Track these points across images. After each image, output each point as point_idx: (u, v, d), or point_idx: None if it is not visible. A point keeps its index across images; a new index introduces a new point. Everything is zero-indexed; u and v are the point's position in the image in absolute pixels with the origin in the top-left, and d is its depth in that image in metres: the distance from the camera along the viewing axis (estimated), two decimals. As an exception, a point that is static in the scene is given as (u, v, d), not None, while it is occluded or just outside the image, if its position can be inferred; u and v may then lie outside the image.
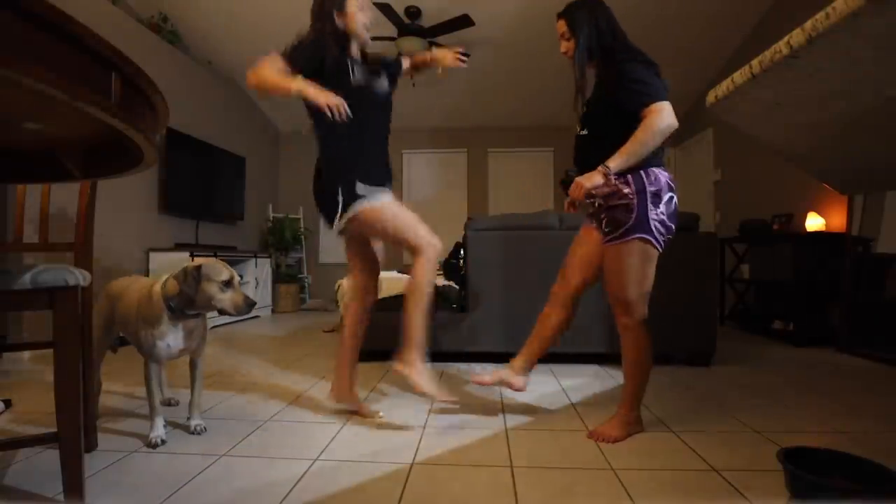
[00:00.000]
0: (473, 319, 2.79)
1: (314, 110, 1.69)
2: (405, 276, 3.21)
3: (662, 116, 1.49)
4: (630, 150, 1.51)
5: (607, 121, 1.62)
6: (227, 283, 1.59)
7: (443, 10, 4.22)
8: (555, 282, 1.87)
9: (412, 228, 1.72)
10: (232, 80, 5.39)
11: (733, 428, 1.76)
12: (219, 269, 1.59)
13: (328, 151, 1.77)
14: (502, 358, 2.85)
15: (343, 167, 1.74)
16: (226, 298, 1.58)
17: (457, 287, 2.96)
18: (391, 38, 4.36)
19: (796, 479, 1.22)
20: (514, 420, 1.86)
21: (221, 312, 1.60)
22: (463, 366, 2.78)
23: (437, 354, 2.86)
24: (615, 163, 1.52)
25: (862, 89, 0.94)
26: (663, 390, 2.26)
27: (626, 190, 1.56)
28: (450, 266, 3.11)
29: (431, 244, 1.72)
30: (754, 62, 0.95)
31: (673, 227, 1.60)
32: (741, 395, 2.16)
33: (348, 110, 1.60)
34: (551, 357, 2.79)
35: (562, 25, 1.70)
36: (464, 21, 4.08)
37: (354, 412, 1.90)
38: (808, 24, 0.79)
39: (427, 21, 4.34)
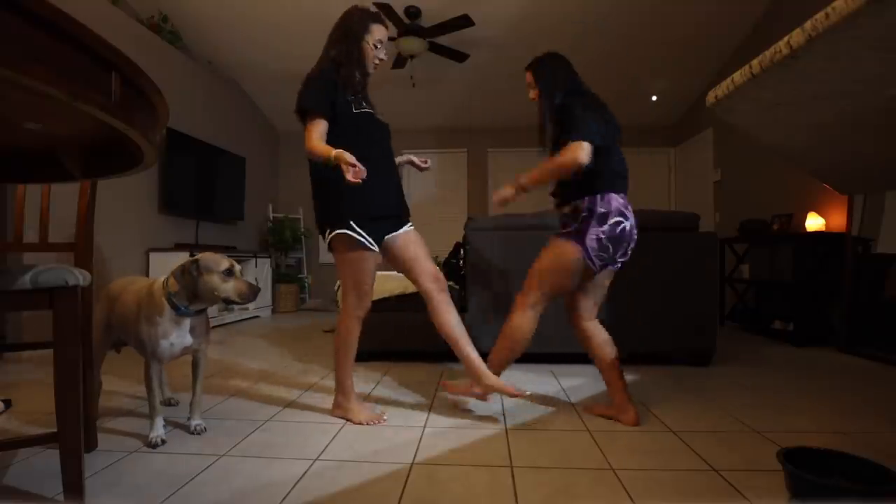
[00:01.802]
0: (473, 319, 2.79)
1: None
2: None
3: (573, 154, 1.66)
4: (538, 171, 1.76)
5: (559, 148, 1.76)
6: (229, 273, 1.61)
7: (443, 10, 4.22)
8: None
9: (349, 289, 1.83)
10: (232, 80, 5.39)
11: (733, 428, 1.76)
12: (217, 260, 1.60)
13: (330, 175, 1.73)
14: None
15: (344, 199, 1.76)
16: (229, 288, 1.60)
17: (457, 287, 2.96)
18: (391, 39, 4.36)
19: (796, 479, 1.22)
20: (514, 420, 1.86)
21: (227, 302, 1.61)
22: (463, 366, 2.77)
23: (437, 354, 2.86)
24: (525, 178, 1.78)
25: (863, 89, 0.94)
26: (663, 390, 2.26)
27: (582, 206, 1.77)
28: (450, 266, 3.11)
29: (349, 314, 1.85)
30: (754, 62, 0.95)
31: (611, 247, 1.74)
32: (741, 395, 2.16)
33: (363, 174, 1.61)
34: (551, 357, 2.80)
35: (529, 76, 1.94)
36: (464, 21, 4.08)
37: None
38: (808, 24, 0.79)
39: (427, 21, 4.34)
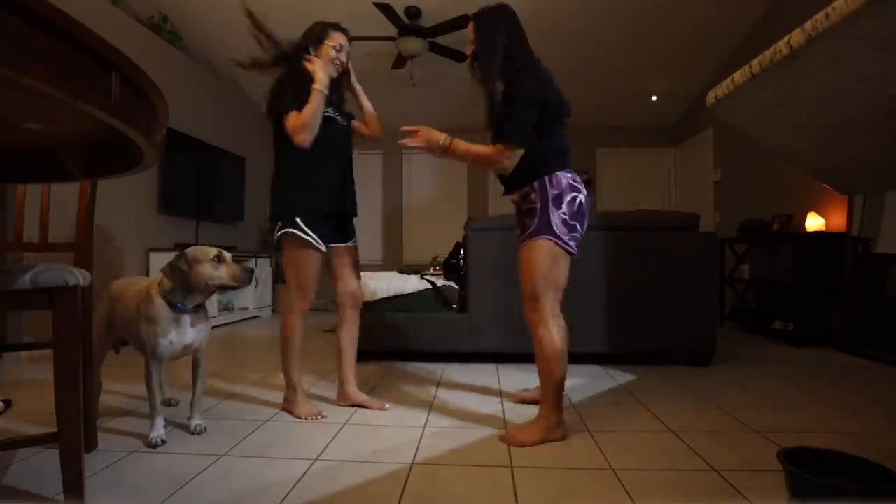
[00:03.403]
0: (473, 319, 2.79)
1: (280, 137, 1.87)
2: (405, 275, 3.20)
3: (498, 161, 1.64)
4: (464, 151, 1.69)
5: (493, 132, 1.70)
6: (218, 259, 1.60)
7: (443, 10, 4.22)
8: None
9: (295, 284, 1.90)
10: (232, 80, 5.38)
11: (733, 428, 1.76)
12: (205, 250, 1.60)
13: (284, 175, 1.90)
14: (502, 358, 2.86)
15: (292, 197, 1.88)
16: (222, 274, 1.60)
17: (457, 287, 2.96)
18: (391, 38, 4.36)
19: (796, 479, 1.22)
20: (514, 420, 1.86)
21: (223, 289, 1.61)
22: (462, 366, 2.78)
23: (438, 354, 2.86)
24: (453, 148, 1.69)
25: (863, 88, 0.94)
26: (663, 390, 2.26)
27: (532, 196, 1.68)
28: (450, 266, 3.11)
29: (293, 310, 1.92)
30: (754, 62, 0.95)
31: (578, 224, 1.67)
32: (741, 395, 2.16)
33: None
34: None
35: (471, 28, 1.77)
36: (464, 21, 4.08)
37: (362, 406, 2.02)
38: (808, 25, 0.79)
39: (427, 21, 4.34)
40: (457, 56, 4.58)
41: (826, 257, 3.39)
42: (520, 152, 1.63)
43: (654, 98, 5.68)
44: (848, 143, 1.21)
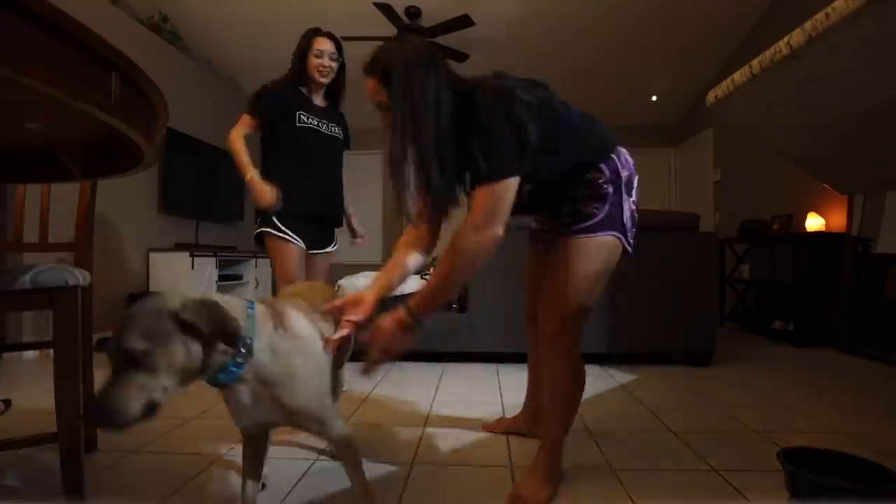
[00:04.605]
0: (473, 319, 2.79)
1: (267, 142, 2.09)
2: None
3: (476, 225, 1.09)
4: (430, 286, 1.12)
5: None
6: None
7: (443, 10, 4.22)
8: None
9: (281, 280, 2.02)
10: (232, 80, 5.38)
11: (733, 428, 1.76)
12: None
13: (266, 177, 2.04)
14: (502, 358, 2.86)
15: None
16: None
17: (457, 287, 2.96)
18: (391, 39, 4.36)
19: (796, 479, 1.21)
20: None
21: None
22: (462, 366, 2.78)
23: (438, 354, 2.86)
24: (413, 302, 1.10)
25: (863, 89, 0.94)
26: (663, 390, 2.26)
27: (602, 181, 1.19)
28: (450, 266, 3.10)
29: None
30: (754, 62, 0.95)
31: (636, 216, 1.25)
32: (741, 395, 2.16)
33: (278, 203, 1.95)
34: (551, 357, 2.79)
35: (373, 83, 1.15)
36: (464, 21, 4.08)
37: None
38: (808, 25, 0.79)
39: (427, 21, 4.34)
40: (457, 56, 4.58)
41: (826, 257, 3.39)
42: (511, 189, 1.06)
43: (654, 98, 5.68)
44: (848, 143, 1.21)
